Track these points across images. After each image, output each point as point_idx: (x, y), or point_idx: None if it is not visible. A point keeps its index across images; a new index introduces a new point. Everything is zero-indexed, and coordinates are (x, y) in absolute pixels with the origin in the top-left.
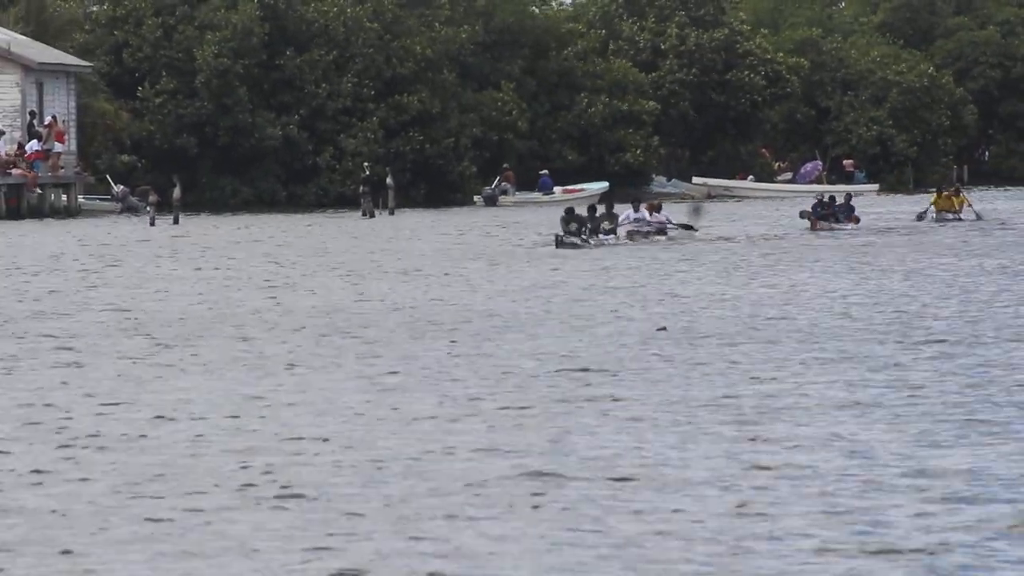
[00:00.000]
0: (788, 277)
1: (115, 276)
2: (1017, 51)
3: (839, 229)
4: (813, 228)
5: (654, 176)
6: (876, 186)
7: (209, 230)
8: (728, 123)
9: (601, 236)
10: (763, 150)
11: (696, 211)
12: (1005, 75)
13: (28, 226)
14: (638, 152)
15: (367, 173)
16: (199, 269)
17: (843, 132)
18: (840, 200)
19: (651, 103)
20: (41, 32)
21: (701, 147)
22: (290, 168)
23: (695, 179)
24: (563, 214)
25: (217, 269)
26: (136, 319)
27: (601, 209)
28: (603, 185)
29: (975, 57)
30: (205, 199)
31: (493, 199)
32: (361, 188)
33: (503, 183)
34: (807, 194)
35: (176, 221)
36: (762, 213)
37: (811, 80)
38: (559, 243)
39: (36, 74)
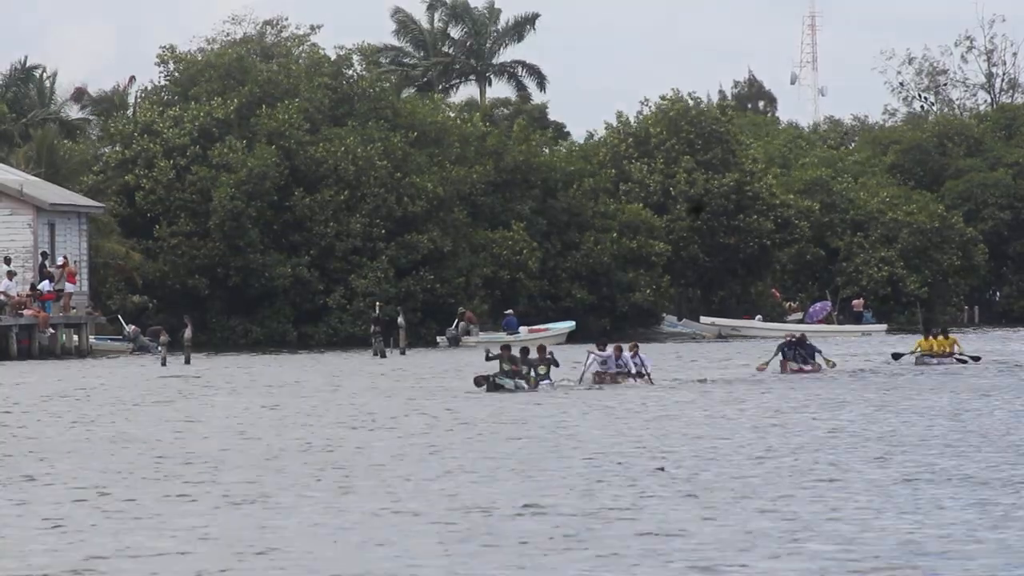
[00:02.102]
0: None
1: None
2: None
3: (810, 371)
4: (783, 370)
5: (664, 316)
6: (884, 326)
7: (220, 370)
8: (738, 264)
9: (528, 381)
10: (774, 290)
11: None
12: (1015, 216)
13: (38, 367)
14: (648, 292)
15: (378, 313)
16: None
17: (853, 272)
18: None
19: (661, 244)
20: (52, 173)
21: (712, 287)
22: (300, 308)
23: (703, 319)
24: (494, 359)
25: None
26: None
27: (533, 352)
28: (569, 325)
29: (985, 198)
30: (215, 339)
31: (456, 340)
32: (372, 328)
33: (467, 324)
34: (814, 334)
35: (187, 361)
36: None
37: (821, 221)
38: (491, 386)
39: (48, 215)
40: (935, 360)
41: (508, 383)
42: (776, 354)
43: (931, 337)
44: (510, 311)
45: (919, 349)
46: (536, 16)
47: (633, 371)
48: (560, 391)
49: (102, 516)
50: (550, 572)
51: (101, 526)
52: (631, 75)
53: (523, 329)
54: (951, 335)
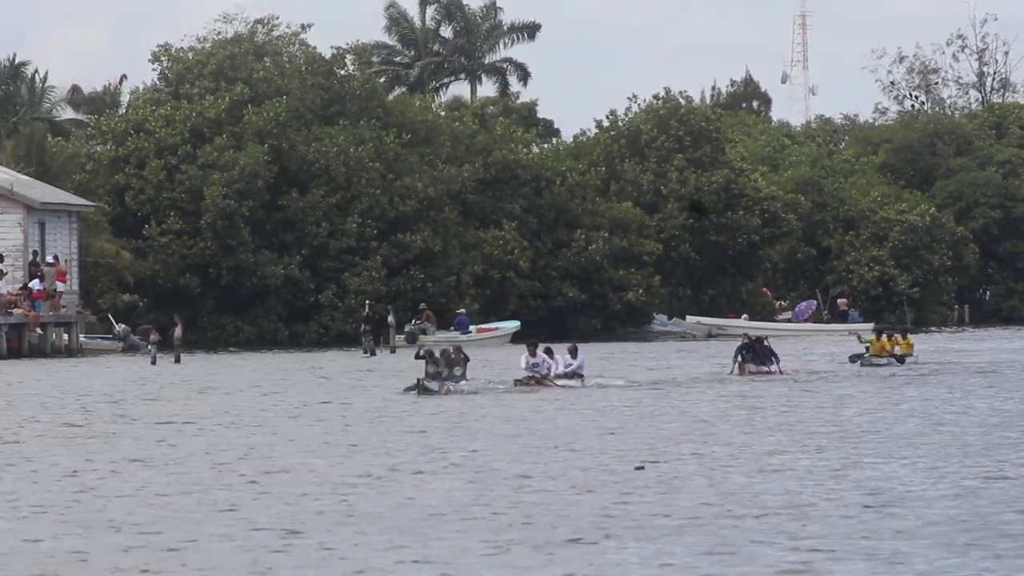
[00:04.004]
0: None
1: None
2: (1017, 192)
3: (768, 373)
4: (742, 372)
5: (655, 315)
6: (871, 325)
7: (209, 368)
8: (728, 263)
9: (451, 383)
10: (765, 289)
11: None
12: (1006, 215)
13: (29, 366)
14: (640, 291)
15: (367, 311)
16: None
17: (844, 271)
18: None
19: (652, 243)
20: (43, 172)
21: (702, 286)
22: (291, 306)
23: (689, 318)
24: (424, 358)
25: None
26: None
27: (451, 353)
28: (515, 324)
29: (976, 197)
30: (206, 338)
31: (414, 336)
32: (362, 326)
33: (423, 322)
34: (801, 332)
35: (177, 360)
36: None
37: (812, 219)
38: (421, 389)
39: (38, 214)
40: (884, 361)
41: (434, 385)
42: (736, 357)
43: (883, 337)
44: (462, 310)
45: (869, 349)
46: (538, 27)
47: (561, 371)
48: (480, 392)
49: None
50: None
51: None
52: (622, 75)
53: (473, 328)
54: (908, 336)
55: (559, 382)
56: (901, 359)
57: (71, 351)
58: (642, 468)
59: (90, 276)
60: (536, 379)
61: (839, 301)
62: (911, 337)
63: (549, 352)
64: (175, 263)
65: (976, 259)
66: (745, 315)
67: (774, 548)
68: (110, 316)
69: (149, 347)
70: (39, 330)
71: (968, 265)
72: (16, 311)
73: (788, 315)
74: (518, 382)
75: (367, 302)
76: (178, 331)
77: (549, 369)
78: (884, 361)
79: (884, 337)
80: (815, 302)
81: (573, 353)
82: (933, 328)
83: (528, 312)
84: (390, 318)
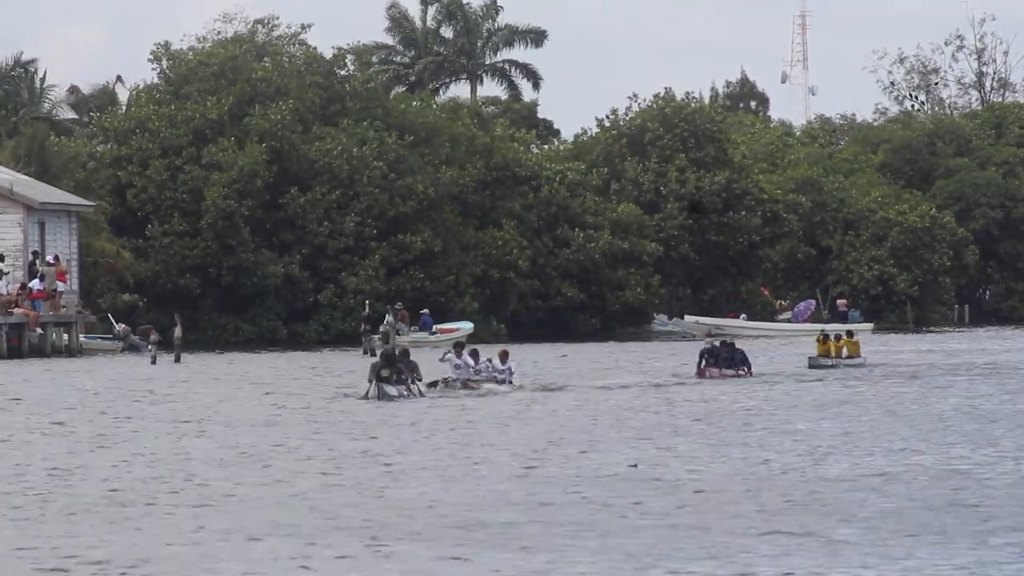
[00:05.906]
0: None
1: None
2: (1017, 191)
3: (729, 376)
4: (700, 375)
5: (655, 315)
6: (871, 325)
7: (207, 368)
8: (728, 262)
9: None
10: (764, 289)
11: None
12: (1006, 215)
13: (31, 366)
14: (639, 291)
15: (367, 311)
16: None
17: (844, 271)
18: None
19: (652, 244)
20: (42, 172)
21: (702, 286)
22: (291, 306)
23: (687, 318)
24: (379, 360)
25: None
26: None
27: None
28: (469, 326)
29: (976, 198)
30: (206, 337)
31: (388, 336)
32: (362, 326)
33: (398, 322)
34: (800, 332)
35: (177, 360)
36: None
37: (812, 219)
38: (380, 394)
39: (38, 214)
40: (830, 362)
41: (392, 391)
42: (700, 359)
43: (829, 339)
44: (426, 310)
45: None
46: (544, 34)
47: (499, 377)
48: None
49: None
50: None
51: None
52: (622, 75)
53: (436, 328)
54: (854, 337)
55: (486, 386)
56: (835, 362)
57: (71, 351)
58: (635, 467)
59: (90, 276)
60: (462, 382)
61: (839, 301)
62: (857, 338)
63: (475, 354)
64: (176, 263)
65: (976, 259)
66: (744, 315)
67: None
68: (110, 316)
69: (149, 347)
70: (39, 330)
71: (968, 265)
72: (16, 311)
73: (788, 315)
74: (443, 382)
75: (367, 302)
76: (178, 331)
77: (477, 372)
78: (830, 363)
79: (832, 339)
80: (814, 302)
81: (503, 358)
82: (933, 328)
83: (527, 312)
84: (389, 317)
